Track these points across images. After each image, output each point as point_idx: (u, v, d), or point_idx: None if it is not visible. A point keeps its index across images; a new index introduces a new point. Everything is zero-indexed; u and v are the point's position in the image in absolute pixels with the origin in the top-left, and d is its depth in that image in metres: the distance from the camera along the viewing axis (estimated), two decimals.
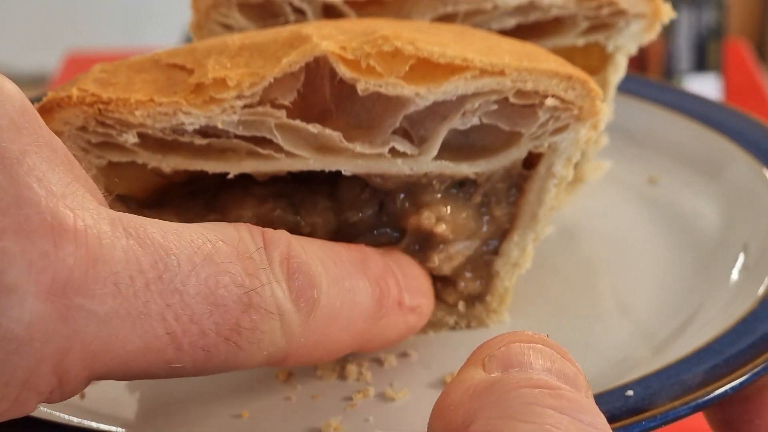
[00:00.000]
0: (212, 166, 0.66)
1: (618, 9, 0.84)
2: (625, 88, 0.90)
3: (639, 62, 1.83)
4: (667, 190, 0.94)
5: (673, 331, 0.73)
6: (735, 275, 0.78)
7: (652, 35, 0.86)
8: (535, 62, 0.66)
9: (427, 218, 0.68)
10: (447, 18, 0.81)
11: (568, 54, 0.77)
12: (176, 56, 0.67)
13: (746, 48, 2.26)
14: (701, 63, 1.90)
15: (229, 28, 0.80)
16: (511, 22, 0.82)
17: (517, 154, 0.68)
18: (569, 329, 0.75)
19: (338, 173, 0.68)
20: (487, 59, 0.64)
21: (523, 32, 0.81)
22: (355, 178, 0.69)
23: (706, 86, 1.90)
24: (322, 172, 0.67)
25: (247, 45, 0.66)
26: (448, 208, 0.69)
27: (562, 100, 0.66)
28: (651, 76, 1.81)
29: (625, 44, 0.86)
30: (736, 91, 2.01)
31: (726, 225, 0.86)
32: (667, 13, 0.84)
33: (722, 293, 0.76)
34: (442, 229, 0.68)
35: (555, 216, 0.91)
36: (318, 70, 0.65)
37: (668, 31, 1.78)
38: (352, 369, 0.70)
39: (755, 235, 0.81)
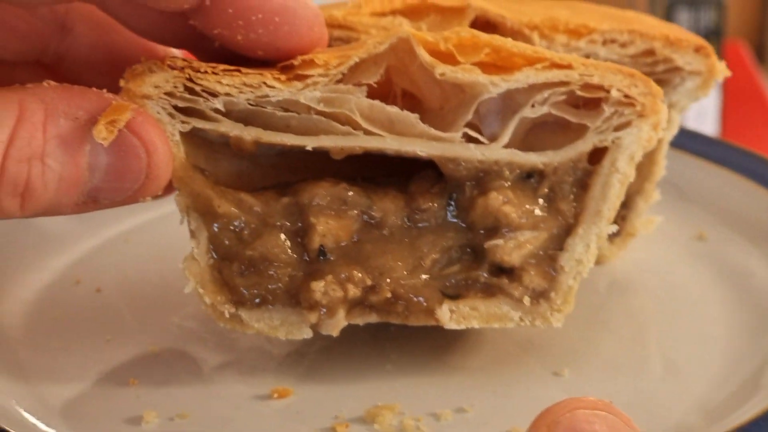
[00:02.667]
0: (291, 139, 0.69)
1: (674, 66, 0.84)
2: (674, 143, 0.90)
3: None
4: (716, 246, 0.93)
5: (728, 396, 0.72)
6: None
7: (707, 93, 0.86)
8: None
9: (494, 198, 0.69)
10: None
11: None
12: None
13: (745, 49, 2.26)
14: None
15: None
16: None
17: (582, 146, 0.70)
18: (621, 389, 0.74)
19: (411, 169, 0.71)
20: (557, 54, 0.68)
21: None
22: (426, 175, 0.71)
23: None
24: (395, 165, 0.70)
25: None
26: (516, 193, 0.70)
27: (626, 95, 0.68)
28: None
29: (679, 101, 0.86)
30: (734, 92, 2.00)
31: None
32: (723, 71, 0.85)
33: None
34: (508, 210, 0.69)
35: (605, 269, 0.91)
36: (402, 53, 0.68)
37: None
38: (409, 423, 0.70)
39: None
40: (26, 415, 0.71)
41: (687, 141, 1.00)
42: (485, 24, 0.82)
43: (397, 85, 0.71)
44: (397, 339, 0.80)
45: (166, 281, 0.89)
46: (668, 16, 1.80)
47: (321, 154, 0.71)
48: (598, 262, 0.92)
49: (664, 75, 0.84)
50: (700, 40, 0.84)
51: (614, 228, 0.71)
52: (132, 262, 0.93)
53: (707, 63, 0.84)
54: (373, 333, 0.81)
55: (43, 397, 0.74)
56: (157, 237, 0.96)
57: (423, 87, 0.70)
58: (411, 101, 0.71)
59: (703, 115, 1.89)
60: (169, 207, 0.98)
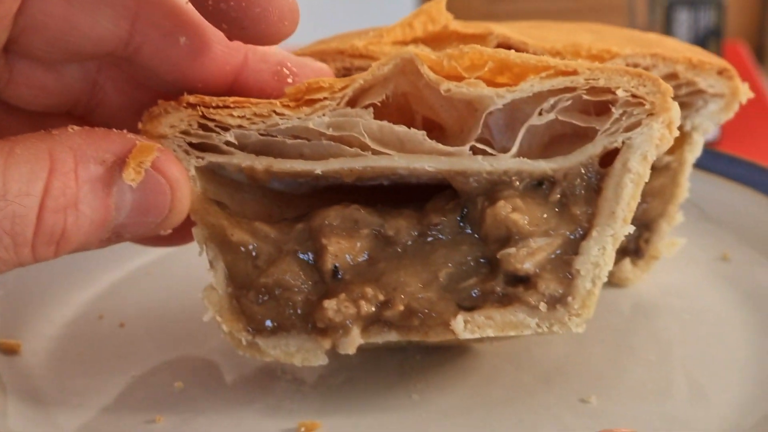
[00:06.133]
0: (301, 165, 0.70)
1: (697, 89, 0.84)
2: (697, 163, 0.90)
3: None
4: (741, 267, 0.93)
5: (758, 421, 0.71)
6: None
7: (730, 115, 0.86)
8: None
9: (502, 207, 0.69)
10: None
11: None
12: None
13: (745, 49, 2.25)
14: None
15: None
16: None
17: (592, 150, 0.70)
18: (648, 415, 0.74)
19: (427, 193, 0.71)
20: (562, 61, 0.68)
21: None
22: (443, 195, 0.72)
23: None
24: (414, 194, 0.71)
25: None
26: (526, 201, 0.70)
27: (634, 95, 0.68)
28: None
29: (702, 123, 0.86)
30: None
31: None
32: (746, 93, 0.84)
33: None
34: (516, 217, 0.69)
35: (629, 292, 0.91)
36: (410, 75, 0.69)
37: (667, 32, 1.77)
38: None
39: None
40: None
41: (709, 161, 0.99)
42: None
43: (417, 113, 0.71)
44: (423, 369, 0.80)
45: (189, 314, 0.88)
46: (668, 16, 1.79)
47: (340, 189, 0.71)
48: (622, 285, 0.92)
49: (687, 98, 0.84)
50: (724, 63, 0.84)
51: (631, 229, 0.70)
52: (154, 295, 0.93)
53: (730, 85, 0.84)
54: (399, 362, 0.80)
55: None
56: (179, 269, 0.97)
57: (440, 110, 0.71)
58: (432, 127, 0.71)
59: None
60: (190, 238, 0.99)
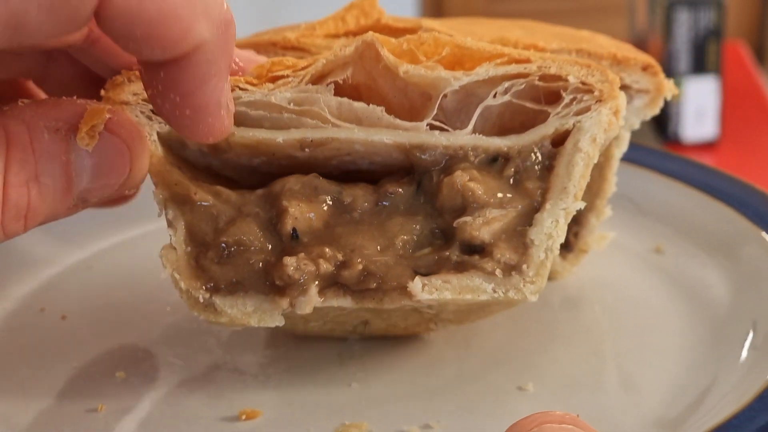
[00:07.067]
0: (263, 133, 0.72)
1: (622, 85, 0.86)
2: (627, 157, 0.91)
3: None
4: (674, 260, 0.95)
5: (684, 409, 0.74)
6: (744, 353, 0.78)
7: (655, 110, 0.88)
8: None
9: (459, 176, 0.72)
10: None
11: None
12: None
13: (745, 49, 2.29)
14: (700, 64, 1.90)
15: None
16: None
17: (545, 130, 0.73)
18: (583, 403, 0.76)
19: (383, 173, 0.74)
20: (516, 50, 0.73)
21: None
22: (397, 174, 0.74)
23: (705, 87, 1.92)
24: (364, 177, 0.74)
25: None
26: (482, 173, 0.73)
27: (584, 83, 0.73)
28: None
29: (628, 119, 0.87)
30: (734, 93, 2.04)
31: (735, 299, 0.86)
32: (671, 89, 0.87)
33: (733, 372, 0.76)
34: (473, 186, 0.71)
35: (558, 285, 0.93)
36: (368, 61, 0.72)
37: (667, 32, 1.80)
38: None
39: (764, 313, 0.82)
40: None
41: (640, 155, 1.02)
42: None
43: (368, 102, 0.73)
44: (362, 357, 0.82)
45: (131, 307, 0.89)
46: (668, 16, 1.81)
47: (301, 167, 0.73)
48: (552, 278, 0.93)
49: None
50: (648, 59, 0.86)
51: (582, 205, 0.73)
52: (96, 288, 0.93)
53: (655, 81, 0.86)
54: (338, 353, 0.82)
55: (13, 426, 0.74)
56: (120, 263, 0.97)
57: (393, 101, 0.73)
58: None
59: (703, 115, 1.92)
60: (130, 233, 1.00)
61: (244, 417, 0.75)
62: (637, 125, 0.88)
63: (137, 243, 0.99)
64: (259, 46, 0.84)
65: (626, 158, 0.91)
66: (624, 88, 0.85)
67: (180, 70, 0.62)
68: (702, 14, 1.86)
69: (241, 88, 0.71)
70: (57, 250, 0.96)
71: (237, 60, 0.73)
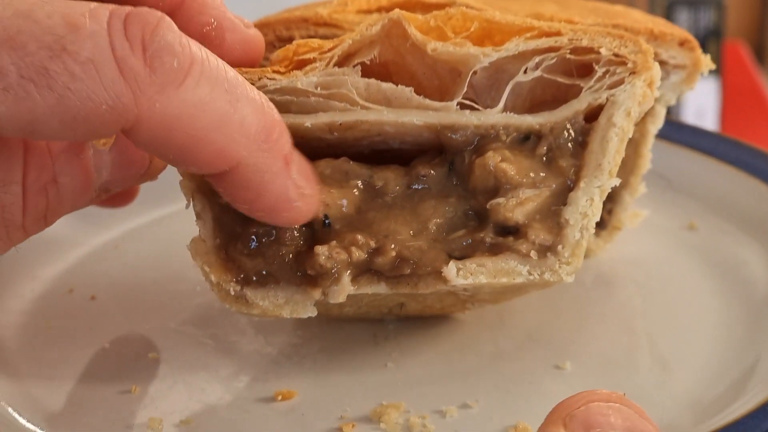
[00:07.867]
0: (290, 118, 0.70)
1: (658, 60, 0.85)
2: (658, 133, 0.90)
3: None
4: (707, 236, 0.94)
5: (721, 392, 0.72)
6: None
7: (692, 86, 0.87)
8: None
9: (491, 157, 0.70)
10: None
11: None
12: None
13: (745, 49, 2.28)
14: None
15: None
16: None
17: (578, 105, 0.71)
18: (619, 382, 0.75)
19: (411, 160, 0.72)
20: (546, 23, 0.71)
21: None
22: (428, 155, 0.72)
23: (705, 87, 1.91)
24: (394, 157, 0.72)
25: None
26: (514, 153, 0.71)
27: (616, 54, 0.70)
28: None
29: (664, 95, 0.87)
30: (734, 93, 2.02)
31: None
32: (708, 64, 0.86)
33: None
34: (506, 167, 0.70)
35: (591, 263, 0.92)
36: (395, 38, 0.70)
37: None
38: (415, 421, 0.71)
39: None
40: (28, 425, 0.71)
41: (674, 132, 1.01)
42: None
43: (398, 83, 0.71)
44: (396, 338, 0.81)
45: (160, 287, 0.89)
46: (668, 16, 1.81)
47: (332, 148, 0.72)
48: (584, 256, 0.93)
49: None
50: (685, 34, 0.85)
51: (617, 181, 0.71)
52: (124, 269, 0.92)
53: (692, 57, 0.85)
54: (372, 333, 0.81)
55: (45, 408, 0.73)
56: (147, 243, 0.96)
57: (422, 78, 0.72)
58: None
59: (703, 115, 1.91)
60: (157, 213, 0.99)
61: (280, 398, 0.74)
62: (673, 101, 0.87)
63: (164, 223, 0.99)
64: (290, 22, 0.82)
65: (657, 134, 0.90)
66: (661, 63, 0.84)
67: (231, 183, 0.62)
68: (702, 14, 1.85)
69: (269, 78, 0.69)
70: (84, 232, 0.95)
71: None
